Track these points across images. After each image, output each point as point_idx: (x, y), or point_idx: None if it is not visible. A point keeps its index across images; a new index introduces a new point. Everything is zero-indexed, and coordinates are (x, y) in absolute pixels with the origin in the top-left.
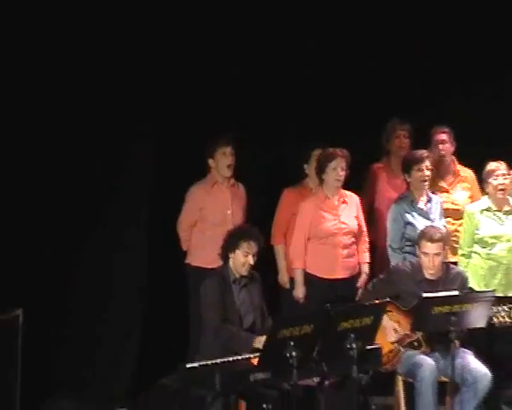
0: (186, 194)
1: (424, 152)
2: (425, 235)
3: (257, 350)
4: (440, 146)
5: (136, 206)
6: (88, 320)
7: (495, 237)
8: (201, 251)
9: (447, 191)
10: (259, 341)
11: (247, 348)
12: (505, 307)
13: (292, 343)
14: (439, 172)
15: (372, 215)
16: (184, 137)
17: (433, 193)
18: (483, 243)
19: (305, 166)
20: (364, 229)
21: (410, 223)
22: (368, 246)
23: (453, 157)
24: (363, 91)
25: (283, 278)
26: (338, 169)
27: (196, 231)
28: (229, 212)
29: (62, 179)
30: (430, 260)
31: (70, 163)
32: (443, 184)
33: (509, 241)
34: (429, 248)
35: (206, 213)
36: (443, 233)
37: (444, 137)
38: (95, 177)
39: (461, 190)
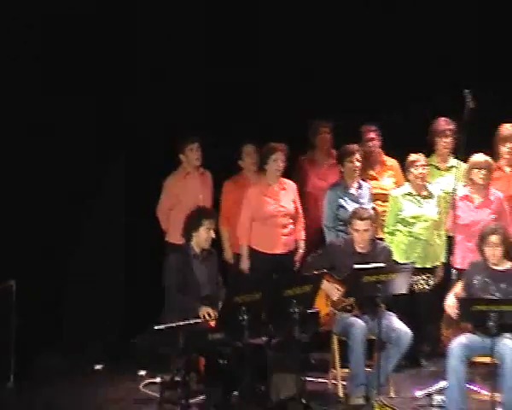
0: (163, 183)
1: (355, 146)
2: (355, 214)
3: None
4: (370, 143)
5: (119, 198)
6: (74, 288)
7: (415, 218)
8: (176, 230)
9: (376, 179)
10: (205, 311)
11: (194, 314)
12: (423, 277)
13: (244, 308)
14: (369, 162)
15: (306, 201)
16: (157, 137)
17: (363, 180)
18: (405, 222)
19: (240, 162)
20: (300, 211)
21: (342, 206)
22: (303, 226)
23: (380, 150)
24: (293, 100)
25: (227, 255)
26: (278, 161)
27: (173, 214)
28: (200, 196)
29: (54, 164)
30: (360, 235)
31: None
32: (372, 172)
33: (426, 221)
34: (359, 225)
35: (181, 199)
36: (370, 213)
37: (372, 134)
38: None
39: (387, 177)
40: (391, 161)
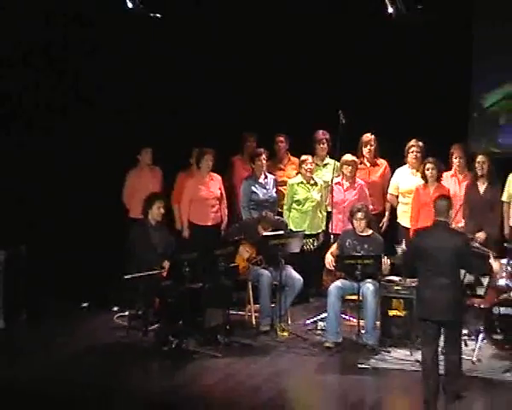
0: (126, 176)
1: (261, 150)
2: (265, 199)
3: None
4: (280, 145)
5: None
6: (69, 251)
7: (304, 199)
8: (136, 209)
9: (283, 170)
10: (164, 264)
11: (151, 267)
12: (310, 240)
13: (185, 263)
14: (278, 159)
15: (231, 188)
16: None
17: (269, 173)
18: (297, 202)
19: (190, 159)
20: (224, 195)
21: (254, 192)
22: (226, 205)
23: (287, 151)
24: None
25: (178, 225)
26: (208, 160)
27: (134, 198)
28: (150, 186)
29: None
30: (269, 214)
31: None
32: (281, 165)
33: (312, 201)
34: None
35: (138, 187)
36: (274, 196)
37: (281, 139)
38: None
39: (291, 170)
40: (293, 159)
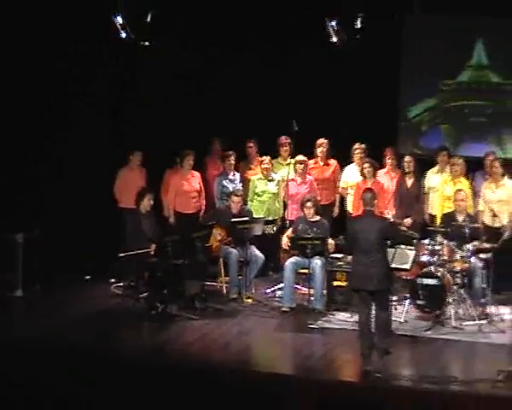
0: (118, 173)
1: (230, 152)
2: (233, 193)
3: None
4: (249, 149)
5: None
6: (75, 231)
7: (262, 192)
8: (126, 200)
9: (254, 169)
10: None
11: (142, 247)
12: (270, 225)
13: (169, 243)
14: (250, 160)
15: (206, 183)
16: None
17: (236, 171)
18: (257, 194)
19: (177, 159)
20: (203, 189)
21: (224, 186)
22: (204, 197)
23: (257, 153)
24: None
25: (165, 213)
26: (189, 160)
27: (124, 191)
28: (139, 182)
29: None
30: (235, 204)
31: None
32: (251, 166)
33: (269, 194)
34: (234, 199)
35: (128, 183)
36: (239, 191)
37: (250, 144)
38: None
39: (259, 169)
40: (262, 159)
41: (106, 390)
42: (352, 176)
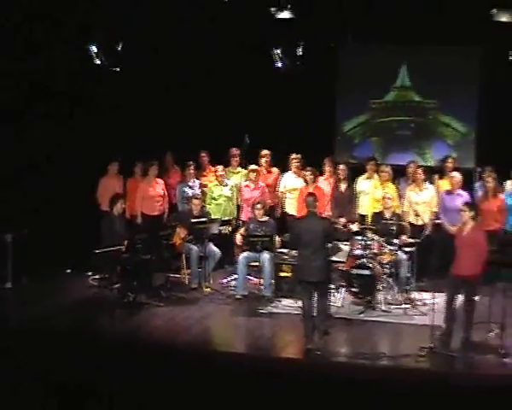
0: (99, 180)
1: (190, 162)
2: (193, 197)
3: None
4: (203, 159)
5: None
6: (59, 231)
7: (218, 196)
8: (106, 204)
9: (206, 176)
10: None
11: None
12: (226, 226)
13: (139, 241)
14: (203, 168)
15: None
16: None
17: (196, 179)
18: (214, 198)
19: (135, 169)
20: (166, 194)
21: (185, 191)
22: (167, 200)
23: (208, 162)
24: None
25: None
26: (154, 170)
27: (104, 196)
28: (116, 188)
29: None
30: (195, 206)
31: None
32: (204, 173)
33: (224, 197)
34: (195, 202)
35: (108, 189)
36: (200, 195)
37: (203, 154)
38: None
39: (211, 176)
40: (216, 168)
41: (84, 369)
42: (289, 182)
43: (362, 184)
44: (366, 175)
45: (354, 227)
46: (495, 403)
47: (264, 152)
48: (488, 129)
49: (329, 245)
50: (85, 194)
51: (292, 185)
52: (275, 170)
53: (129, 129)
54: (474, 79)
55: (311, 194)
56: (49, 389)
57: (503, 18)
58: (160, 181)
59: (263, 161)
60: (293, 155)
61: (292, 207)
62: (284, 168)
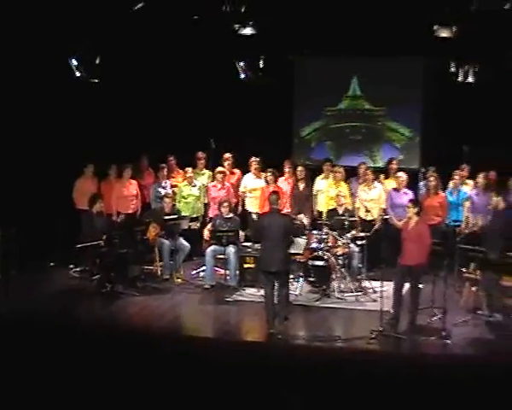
0: (75, 182)
1: (163, 165)
2: (165, 196)
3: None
4: (170, 163)
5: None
6: (43, 228)
7: (188, 195)
8: (82, 203)
9: (174, 177)
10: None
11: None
12: (195, 222)
13: (117, 236)
14: (171, 171)
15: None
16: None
17: (168, 179)
18: (184, 197)
19: (109, 172)
20: (139, 194)
21: (158, 191)
22: (140, 199)
23: (176, 165)
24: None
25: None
26: (128, 172)
27: (80, 196)
28: (92, 189)
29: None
30: (167, 205)
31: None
32: (172, 175)
33: (193, 196)
34: (167, 200)
35: (84, 189)
36: (171, 195)
37: (171, 158)
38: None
39: (179, 177)
40: (186, 170)
41: (66, 353)
42: (249, 183)
43: (319, 183)
44: (323, 175)
45: (305, 221)
46: (437, 380)
47: (227, 155)
48: (431, 133)
49: (290, 239)
50: (65, 194)
51: (252, 186)
52: (237, 171)
53: (104, 134)
54: (418, 89)
55: (274, 192)
56: None
57: (444, 33)
58: (134, 182)
59: (226, 163)
60: (253, 158)
61: (252, 205)
62: (246, 170)
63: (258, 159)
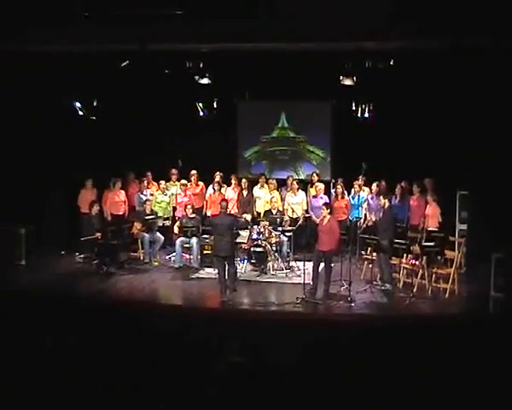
0: (80, 191)
1: (145, 178)
2: (145, 202)
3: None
4: (148, 176)
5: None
6: (53, 226)
7: (161, 201)
8: (84, 207)
9: (150, 188)
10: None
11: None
12: (167, 220)
13: (110, 231)
14: (147, 183)
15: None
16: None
17: (148, 188)
18: (158, 202)
19: (110, 183)
20: (126, 200)
21: (140, 198)
22: (127, 204)
23: (152, 178)
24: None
25: (105, 214)
26: (119, 183)
27: (83, 203)
28: (92, 197)
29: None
30: (147, 208)
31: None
32: (148, 186)
33: (165, 202)
34: (146, 205)
35: (85, 197)
36: (151, 199)
37: (148, 173)
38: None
39: (155, 188)
40: (160, 182)
41: (71, 317)
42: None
43: (257, 191)
44: (259, 185)
45: (248, 218)
46: (345, 334)
47: (193, 172)
48: (339, 154)
49: (235, 232)
50: (72, 201)
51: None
52: (201, 183)
53: (100, 156)
54: (328, 122)
55: (223, 200)
56: None
57: (347, 82)
58: (122, 191)
59: (192, 178)
60: (217, 174)
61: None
62: (208, 182)
63: (221, 174)
